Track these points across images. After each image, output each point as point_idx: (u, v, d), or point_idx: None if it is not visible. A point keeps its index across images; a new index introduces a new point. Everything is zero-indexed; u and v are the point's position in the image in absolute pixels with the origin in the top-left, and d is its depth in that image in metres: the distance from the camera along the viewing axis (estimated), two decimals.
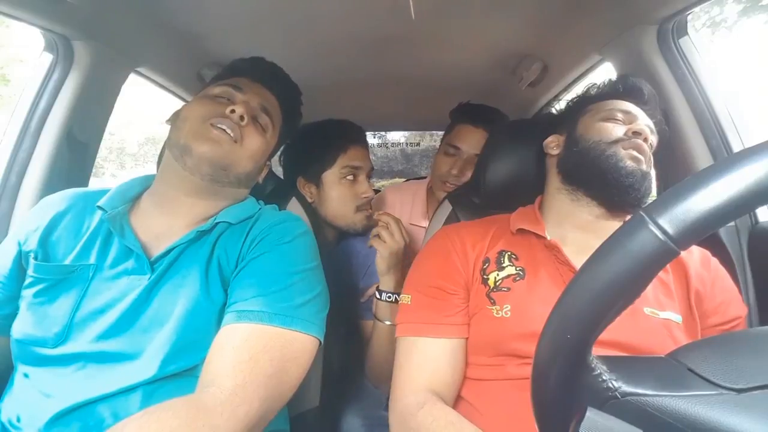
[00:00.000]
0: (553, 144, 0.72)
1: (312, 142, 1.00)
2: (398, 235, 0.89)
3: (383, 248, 0.88)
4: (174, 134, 0.64)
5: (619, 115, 0.66)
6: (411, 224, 1.19)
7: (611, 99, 0.69)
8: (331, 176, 0.97)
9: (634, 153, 0.63)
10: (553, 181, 0.71)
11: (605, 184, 0.62)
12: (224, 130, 0.63)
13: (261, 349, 0.52)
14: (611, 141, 0.64)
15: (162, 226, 0.63)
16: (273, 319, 0.54)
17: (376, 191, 1.17)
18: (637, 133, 0.64)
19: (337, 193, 0.96)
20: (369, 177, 1.03)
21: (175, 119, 0.67)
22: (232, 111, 0.63)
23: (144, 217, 0.64)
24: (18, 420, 0.53)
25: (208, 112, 0.64)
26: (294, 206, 0.88)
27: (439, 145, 1.24)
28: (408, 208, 1.23)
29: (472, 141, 1.12)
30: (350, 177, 0.97)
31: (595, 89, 0.73)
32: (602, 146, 0.64)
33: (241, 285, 0.57)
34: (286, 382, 0.53)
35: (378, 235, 0.89)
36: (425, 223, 1.11)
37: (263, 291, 0.56)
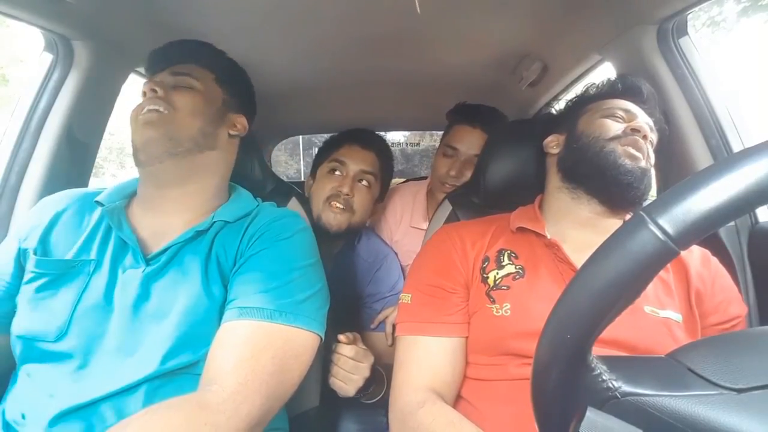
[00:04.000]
0: (553, 143, 0.73)
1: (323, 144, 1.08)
2: (362, 368, 0.77)
3: (351, 386, 0.77)
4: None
5: (619, 113, 0.67)
6: (412, 227, 1.19)
7: (610, 98, 0.70)
8: (322, 169, 1.01)
9: (632, 150, 0.63)
10: (553, 180, 0.71)
11: (604, 182, 0.63)
12: (148, 110, 0.61)
13: (263, 347, 0.52)
14: (609, 138, 0.64)
15: (158, 225, 0.63)
16: (274, 316, 0.54)
17: None
18: (635, 130, 0.64)
19: (319, 183, 0.99)
20: (361, 180, 0.98)
21: None
22: (144, 93, 0.63)
23: (139, 216, 0.65)
24: (23, 417, 0.53)
25: (134, 108, 0.63)
26: (294, 206, 0.88)
27: (437, 146, 1.24)
28: (408, 210, 1.23)
29: (469, 141, 1.11)
30: (335, 171, 0.98)
31: (595, 89, 0.74)
32: (601, 142, 0.64)
33: (241, 281, 0.57)
34: (287, 380, 0.53)
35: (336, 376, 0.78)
36: (425, 225, 1.11)
37: (264, 287, 0.56)
